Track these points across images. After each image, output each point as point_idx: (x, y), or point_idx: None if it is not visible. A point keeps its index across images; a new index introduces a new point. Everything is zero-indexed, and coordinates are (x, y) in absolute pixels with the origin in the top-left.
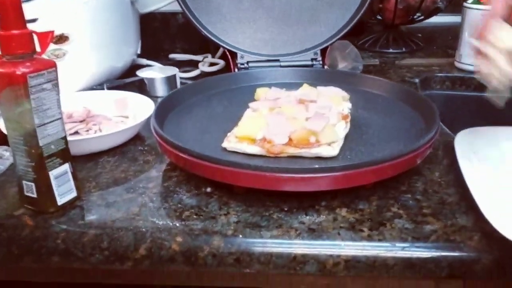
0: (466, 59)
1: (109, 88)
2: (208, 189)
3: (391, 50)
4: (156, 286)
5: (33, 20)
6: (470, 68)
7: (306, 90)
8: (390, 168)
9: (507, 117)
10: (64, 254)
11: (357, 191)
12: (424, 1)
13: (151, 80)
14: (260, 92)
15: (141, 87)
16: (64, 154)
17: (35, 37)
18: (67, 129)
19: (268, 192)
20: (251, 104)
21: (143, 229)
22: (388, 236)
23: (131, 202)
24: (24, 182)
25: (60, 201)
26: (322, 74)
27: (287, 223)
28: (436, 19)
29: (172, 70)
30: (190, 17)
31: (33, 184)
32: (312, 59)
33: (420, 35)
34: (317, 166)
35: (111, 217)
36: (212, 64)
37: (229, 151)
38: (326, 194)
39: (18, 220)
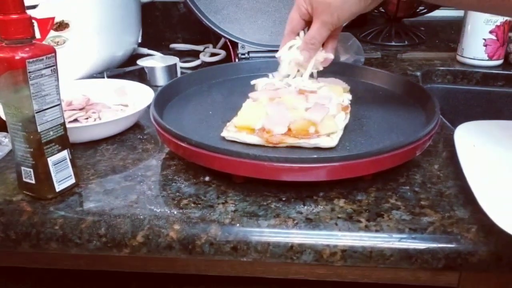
0: (468, 53)
1: (109, 77)
2: (207, 178)
3: (393, 43)
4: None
5: (34, 7)
6: (472, 62)
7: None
8: (389, 160)
9: (508, 111)
10: (61, 240)
11: (355, 183)
12: None
13: (152, 69)
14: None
15: (142, 76)
16: (63, 141)
17: (35, 24)
18: (67, 116)
19: (266, 182)
20: (251, 94)
21: (141, 217)
22: (385, 227)
23: (129, 190)
24: (22, 168)
25: (59, 187)
26: None
27: (285, 213)
28: (440, 13)
29: (173, 60)
30: (192, 6)
31: (31, 170)
32: None
33: (423, 28)
34: (315, 156)
35: (109, 204)
36: (213, 55)
37: (228, 141)
38: (324, 185)
39: (16, 205)
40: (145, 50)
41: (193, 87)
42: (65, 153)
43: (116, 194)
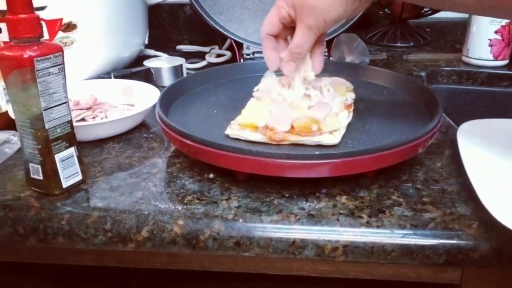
0: (474, 53)
1: (116, 77)
2: (211, 175)
3: (398, 44)
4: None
5: (42, 8)
6: (478, 62)
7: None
8: (391, 156)
9: None
10: (68, 235)
11: (358, 180)
12: None
13: (158, 70)
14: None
15: (148, 77)
16: (70, 138)
17: (44, 25)
18: (74, 116)
19: (269, 180)
20: (255, 94)
21: (146, 212)
22: (387, 223)
23: (134, 187)
24: (30, 165)
25: (66, 184)
26: (327, 65)
27: (287, 209)
28: (445, 14)
29: (179, 61)
30: (198, 8)
31: (39, 166)
32: None
33: (428, 29)
34: (317, 152)
35: (114, 200)
36: (219, 56)
37: (232, 138)
38: (326, 181)
39: (25, 201)
40: (151, 52)
41: (198, 87)
42: (72, 150)
43: (121, 190)
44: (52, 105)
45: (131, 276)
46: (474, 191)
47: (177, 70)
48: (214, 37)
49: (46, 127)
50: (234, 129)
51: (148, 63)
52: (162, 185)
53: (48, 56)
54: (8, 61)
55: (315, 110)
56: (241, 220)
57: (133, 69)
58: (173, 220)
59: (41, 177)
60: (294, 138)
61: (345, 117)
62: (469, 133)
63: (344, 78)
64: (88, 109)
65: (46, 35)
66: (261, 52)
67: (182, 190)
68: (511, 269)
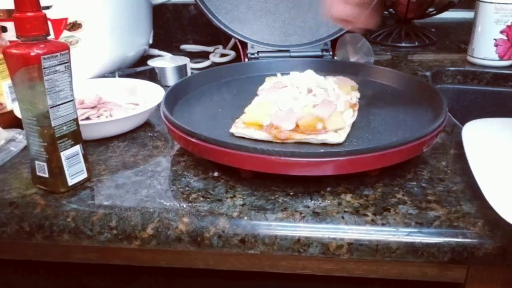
0: (479, 53)
1: (120, 76)
2: (216, 174)
3: (403, 44)
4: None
5: (48, 7)
6: (483, 62)
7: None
8: (395, 155)
9: None
10: (73, 232)
11: (362, 178)
12: None
13: (162, 69)
14: (269, 80)
15: (152, 76)
16: (76, 136)
17: (50, 24)
18: (79, 114)
19: (274, 178)
20: (259, 92)
21: (151, 210)
22: (392, 221)
23: (139, 184)
24: (36, 162)
25: (71, 181)
26: (332, 65)
27: (292, 207)
28: (451, 15)
29: (183, 60)
30: (202, 7)
31: (45, 164)
32: (322, 50)
33: (433, 30)
34: (322, 150)
35: (120, 198)
36: (223, 55)
37: (237, 137)
38: (331, 180)
39: (30, 199)
40: (156, 51)
41: (203, 86)
42: (77, 148)
43: (126, 188)
44: (58, 103)
45: (137, 274)
46: (479, 189)
47: (181, 69)
48: (218, 36)
49: (53, 125)
50: (239, 128)
51: (152, 63)
52: (167, 183)
53: (55, 54)
54: (15, 59)
55: (320, 108)
56: (246, 217)
57: (137, 68)
58: (178, 218)
59: (47, 175)
60: (299, 137)
61: (350, 115)
62: (474, 131)
63: (348, 77)
64: (93, 108)
65: (51, 34)
66: (265, 51)
67: (187, 188)
68: None
